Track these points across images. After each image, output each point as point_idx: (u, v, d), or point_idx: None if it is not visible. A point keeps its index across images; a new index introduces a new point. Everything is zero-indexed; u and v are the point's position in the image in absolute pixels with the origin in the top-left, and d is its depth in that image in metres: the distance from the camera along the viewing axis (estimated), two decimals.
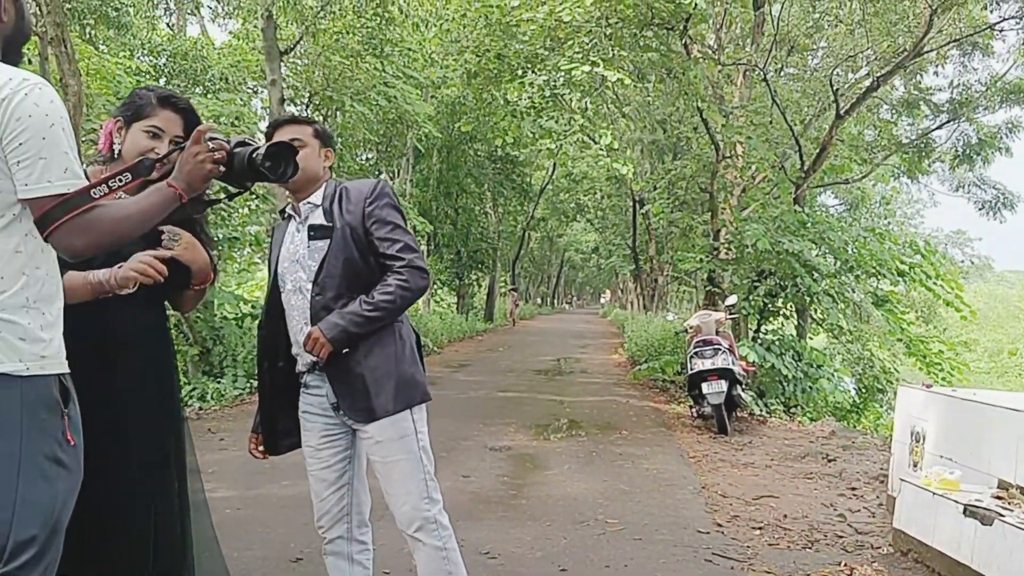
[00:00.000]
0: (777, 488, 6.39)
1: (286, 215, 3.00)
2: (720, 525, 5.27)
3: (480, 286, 34.07)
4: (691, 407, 9.58)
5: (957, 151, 19.26)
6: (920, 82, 17.98)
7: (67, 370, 1.88)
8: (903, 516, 4.64)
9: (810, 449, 7.94)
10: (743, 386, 9.30)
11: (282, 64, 13.42)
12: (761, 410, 10.26)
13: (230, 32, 23.44)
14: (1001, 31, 14.50)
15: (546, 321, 43.80)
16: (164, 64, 16.56)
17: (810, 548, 4.84)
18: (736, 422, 9.30)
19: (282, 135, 2.82)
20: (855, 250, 10.88)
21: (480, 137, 22.24)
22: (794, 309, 12.77)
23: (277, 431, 3.01)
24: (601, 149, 12.04)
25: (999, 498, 4.08)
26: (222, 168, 2.13)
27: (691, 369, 9.00)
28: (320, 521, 2.97)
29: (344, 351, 2.78)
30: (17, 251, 1.79)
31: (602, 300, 73.84)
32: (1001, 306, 59.22)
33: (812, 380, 11.20)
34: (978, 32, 14.51)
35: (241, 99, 15.19)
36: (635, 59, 12.22)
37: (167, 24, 19.66)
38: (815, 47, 18.16)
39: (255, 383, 10.11)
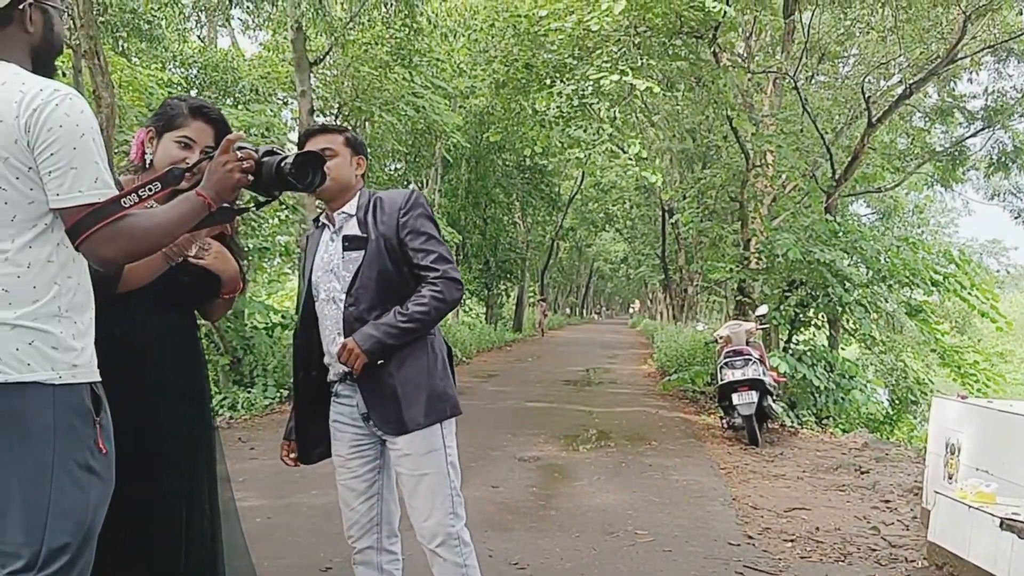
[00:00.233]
0: (809, 500, 6.31)
1: (319, 224, 3.00)
2: (751, 537, 5.21)
3: (509, 296, 34.06)
4: (721, 418, 9.51)
5: (992, 159, 19.03)
6: (954, 89, 17.80)
7: (99, 379, 1.90)
8: (938, 529, 4.57)
9: (842, 461, 7.84)
10: (774, 397, 9.21)
11: (311, 75, 13.52)
12: (792, 421, 10.15)
13: (260, 43, 23.68)
14: None
15: (575, 331, 43.71)
16: (195, 76, 16.72)
17: (843, 561, 4.78)
18: (767, 433, 9.21)
19: (314, 144, 2.83)
20: (888, 259, 10.75)
21: (508, 147, 22.28)
22: (826, 319, 12.62)
23: (309, 439, 3.00)
24: (630, 158, 12.00)
25: None
26: (250, 177, 2.13)
27: (721, 380, 8.92)
28: (350, 531, 2.96)
29: (379, 363, 2.77)
30: (49, 260, 1.81)
31: (631, 310, 73.59)
32: None
33: (844, 391, 11.06)
34: (1013, 38, 14.30)
35: (271, 110, 15.29)
36: (664, 68, 12.17)
37: (198, 36, 19.87)
38: (846, 54, 18.03)
39: (285, 392, 10.21)
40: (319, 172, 2.33)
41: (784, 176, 13.95)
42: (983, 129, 18.08)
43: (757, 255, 12.29)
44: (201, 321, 2.81)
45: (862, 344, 13.54)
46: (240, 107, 14.34)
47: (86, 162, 1.78)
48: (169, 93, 12.35)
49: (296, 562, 4.45)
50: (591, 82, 10.57)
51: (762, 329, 10.16)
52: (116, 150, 8.59)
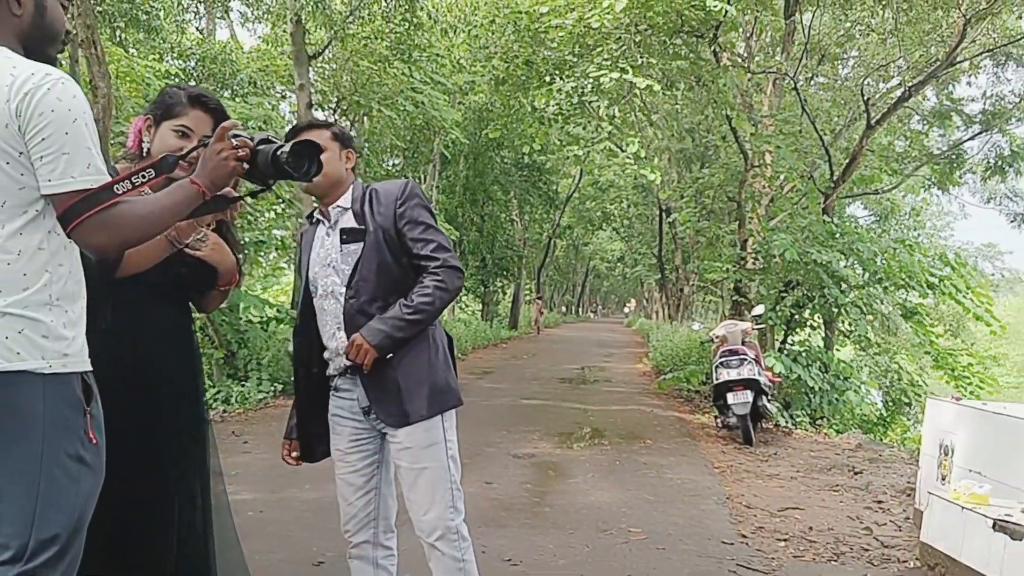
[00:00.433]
0: (803, 500, 6.32)
1: (314, 219, 2.98)
2: (745, 536, 5.21)
3: (505, 293, 34.10)
4: (716, 417, 9.51)
5: (989, 163, 19.02)
6: (952, 92, 17.83)
7: (90, 368, 1.88)
8: (931, 530, 4.57)
9: (836, 461, 7.85)
10: (769, 397, 9.22)
11: (310, 68, 13.50)
12: (787, 421, 10.16)
13: (259, 36, 23.66)
14: None
15: (571, 329, 43.72)
16: (193, 67, 16.67)
17: (835, 561, 4.78)
18: (761, 433, 9.22)
19: None
20: (884, 261, 10.75)
21: (507, 144, 22.28)
22: (821, 320, 12.65)
23: (312, 437, 2.98)
24: (628, 157, 11.99)
25: None
26: (245, 166, 2.11)
27: (716, 379, 8.93)
28: (347, 525, 2.95)
29: (388, 357, 2.75)
30: (40, 248, 1.78)
31: (626, 309, 73.54)
32: None
33: (839, 392, 11.08)
34: (1012, 42, 14.32)
35: (269, 103, 15.27)
36: (664, 67, 12.16)
37: (196, 28, 19.83)
38: (846, 56, 18.04)
39: (280, 387, 10.19)
40: (315, 161, 2.31)
41: (782, 177, 13.94)
42: (980, 133, 18.09)
43: (754, 255, 12.29)
44: (196, 314, 2.79)
45: (857, 345, 13.56)
46: (238, 100, 14.31)
47: (78, 148, 1.75)
48: (167, 84, 12.30)
49: (288, 556, 4.43)
50: (591, 80, 10.55)
51: (758, 329, 10.16)
52: (112, 141, 8.56)
